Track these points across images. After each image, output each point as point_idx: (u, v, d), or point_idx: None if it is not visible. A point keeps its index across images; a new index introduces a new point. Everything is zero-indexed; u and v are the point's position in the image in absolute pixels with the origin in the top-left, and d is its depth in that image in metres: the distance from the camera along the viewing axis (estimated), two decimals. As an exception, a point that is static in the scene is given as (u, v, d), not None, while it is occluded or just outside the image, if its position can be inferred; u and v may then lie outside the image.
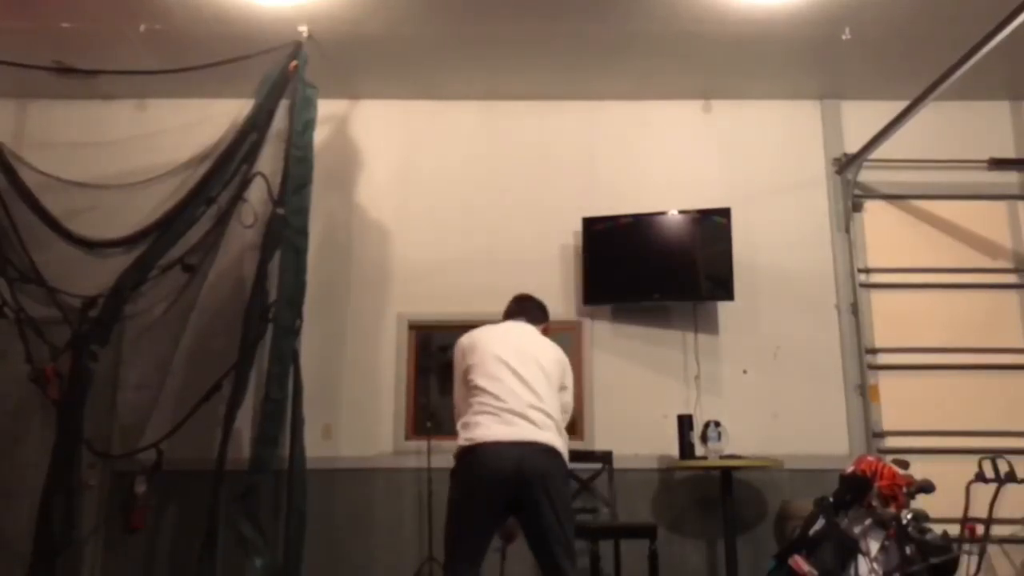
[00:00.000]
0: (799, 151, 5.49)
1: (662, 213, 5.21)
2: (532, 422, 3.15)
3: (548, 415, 3.21)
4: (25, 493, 4.67)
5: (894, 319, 5.22)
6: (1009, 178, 5.44)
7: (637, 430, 5.02)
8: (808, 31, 4.70)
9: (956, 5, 4.37)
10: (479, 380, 3.25)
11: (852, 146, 5.32)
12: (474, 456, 3.12)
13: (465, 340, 3.44)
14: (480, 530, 3.16)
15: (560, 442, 3.19)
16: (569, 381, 3.45)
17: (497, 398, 3.18)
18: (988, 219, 5.38)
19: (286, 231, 4.57)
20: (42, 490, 4.49)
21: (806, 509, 3.77)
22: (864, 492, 3.55)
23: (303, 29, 4.65)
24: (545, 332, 3.61)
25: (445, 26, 4.67)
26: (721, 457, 4.69)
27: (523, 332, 3.50)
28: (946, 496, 3.88)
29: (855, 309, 5.20)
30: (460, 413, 3.30)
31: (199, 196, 4.92)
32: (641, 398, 5.10)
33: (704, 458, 4.73)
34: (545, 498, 3.07)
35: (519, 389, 3.20)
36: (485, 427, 3.14)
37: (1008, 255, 5.34)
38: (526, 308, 3.66)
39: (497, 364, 3.26)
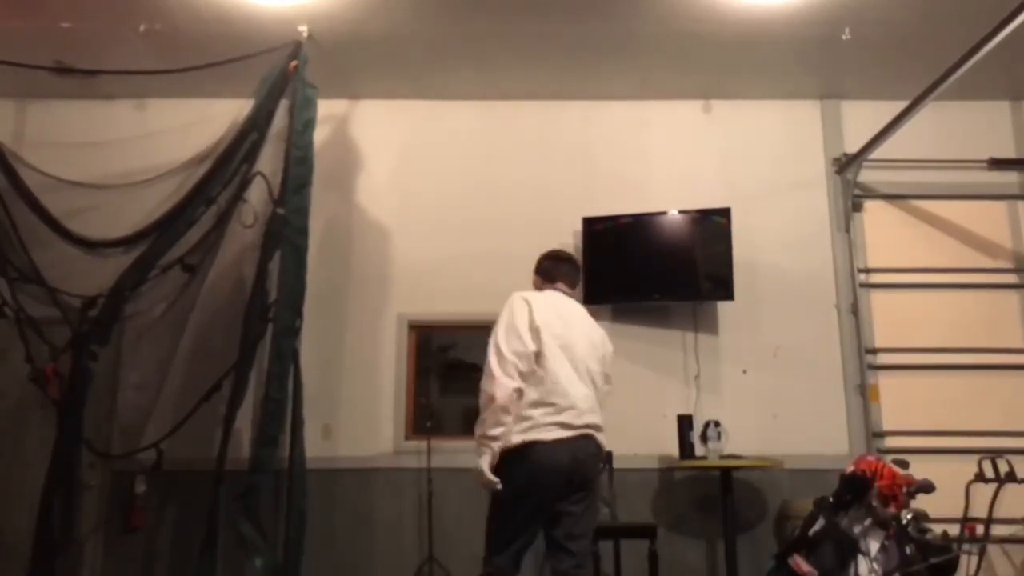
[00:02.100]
0: (799, 151, 5.49)
1: (662, 213, 5.21)
2: (587, 424, 3.18)
3: (598, 411, 3.27)
4: (25, 493, 4.67)
5: (894, 319, 5.22)
6: (1009, 178, 5.45)
7: (637, 430, 5.02)
8: (808, 31, 4.70)
9: (956, 5, 4.38)
10: (551, 379, 3.14)
11: (852, 146, 5.32)
12: (533, 453, 3.08)
13: (534, 305, 3.23)
14: (532, 524, 3.18)
15: (604, 437, 3.29)
16: (610, 363, 3.45)
17: (564, 404, 3.13)
18: (988, 219, 5.38)
19: (286, 231, 4.56)
20: (42, 490, 4.50)
21: (806, 509, 3.76)
22: (864, 492, 3.54)
23: (303, 29, 4.65)
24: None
25: (445, 26, 4.67)
26: (721, 457, 4.70)
27: (575, 313, 3.39)
28: (946, 496, 3.87)
29: (855, 309, 5.21)
30: (528, 399, 3.12)
31: (199, 196, 4.92)
32: (641, 398, 5.10)
33: (704, 458, 4.73)
34: (585, 502, 3.18)
35: (577, 388, 3.18)
36: (546, 428, 3.10)
37: (1008, 255, 5.34)
38: (563, 272, 3.52)
39: (560, 357, 3.18)
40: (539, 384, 3.14)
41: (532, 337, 3.15)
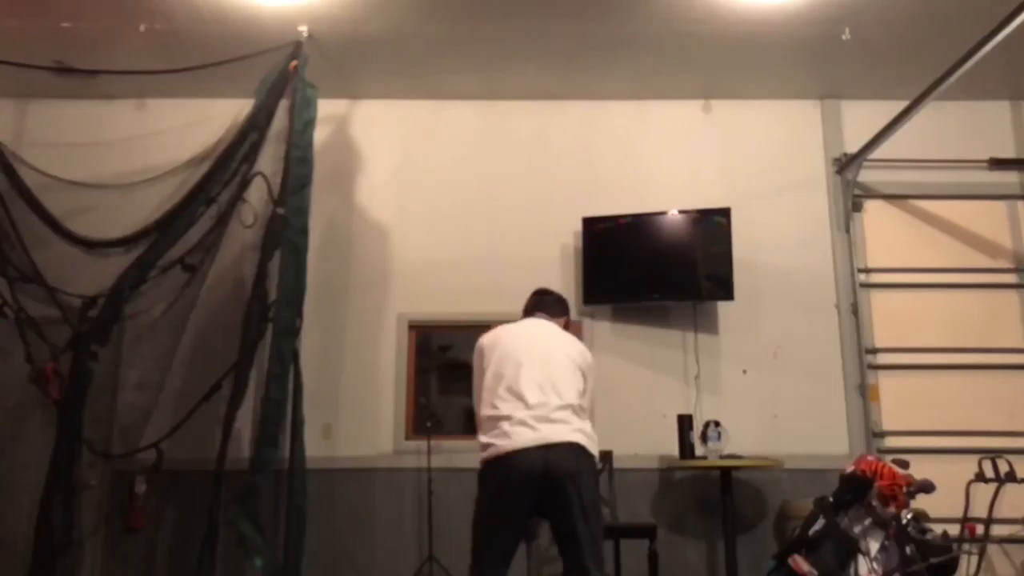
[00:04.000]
0: (799, 151, 5.49)
1: (662, 213, 5.21)
2: (557, 422, 3.09)
3: (574, 413, 3.15)
4: (25, 493, 4.67)
5: (894, 319, 5.22)
6: (1009, 178, 5.45)
7: (637, 430, 5.02)
8: (808, 31, 4.70)
9: (956, 5, 4.37)
10: (501, 383, 3.19)
11: (852, 146, 5.32)
12: (501, 463, 3.06)
13: (485, 340, 3.37)
14: (508, 533, 3.13)
15: (587, 440, 3.13)
16: (591, 380, 3.34)
17: (521, 401, 3.12)
18: (988, 219, 5.38)
19: (286, 231, 4.57)
20: (42, 490, 4.49)
21: (806, 509, 3.77)
22: (864, 492, 3.54)
23: (303, 29, 4.65)
24: (566, 327, 3.53)
25: (445, 26, 4.67)
26: (721, 457, 4.70)
27: (544, 330, 3.40)
28: (946, 496, 3.87)
29: (855, 309, 5.21)
30: (481, 417, 3.22)
31: (199, 196, 4.92)
32: (641, 398, 5.10)
33: (704, 458, 4.73)
34: (574, 498, 3.02)
35: (542, 391, 3.14)
36: (511, 434, 3.07)
37: (1008, 255, 5.34)
38: (545, 303, 3.56)
39: (519, 366, 3.20)
40: (502, 399, 3.17)
41: (491, 388, 3.24)
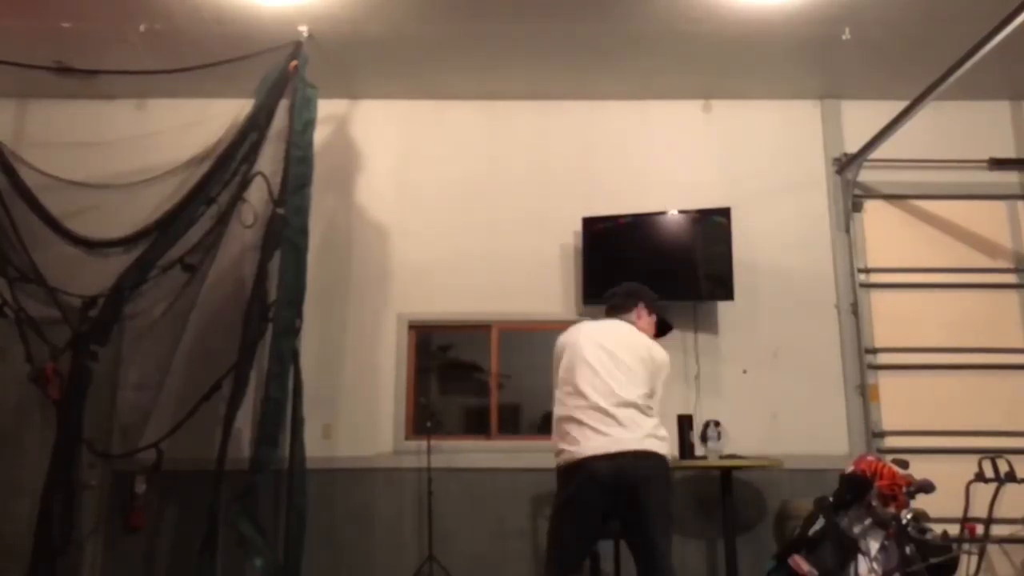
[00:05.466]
0: (799, 151, 5.49)
1: (662, 213, 5.21)
2: (625, 426, 3.13)
3: (640, 412, 3.18)
4: (25, 493, 4.67)
5: (894, 319, 5.22)
6: (1009, 178, 5.45)
7: (637, 430, 5.01)
8: (808, 31, 4.70)
9: (956, 5, 4.38)
10: (568, 383, 3.26)
11: (852, 146, 5.32)
12: (574, 469, 3.13)
13: (561, 339, 3.42)
14: (581, 537, 3.22)
15: (657, 443, 3.16)
16: (662, 376, 3.35)
17: (584, 400, 3.18)
18: (988, 219, 5.38)
19: (286, 231, 4.56)
20: (42, 490, 4.49)
21: (806, 509, 3.77)
22: (864, 492, 3.55)
23: (303, 29, 4.65)
24: (650, 313, 3.56)
25: (445, 26, 4.67)
26: (721, 457, 4.70)
27: (616, 330, 3.40)
28: (946, 496, 3.87)
29: (855, 309, 5.21)
30: (554, 417, 3.30)
31: (199, 196, 4.92)
32: (641, 398, 5.10)
33: (704, 458, 4.73)
34: (647, 505, 3.09)
35: (611, 393, 3.17)
36: (580, 439, 3.13)
37: (1008, 255, 5.34)
38: (613, 302, 3.58)
39: (583, 364, 3.25)
40: (569, 397, 3.25)
41: (559, 387, 3.33)
